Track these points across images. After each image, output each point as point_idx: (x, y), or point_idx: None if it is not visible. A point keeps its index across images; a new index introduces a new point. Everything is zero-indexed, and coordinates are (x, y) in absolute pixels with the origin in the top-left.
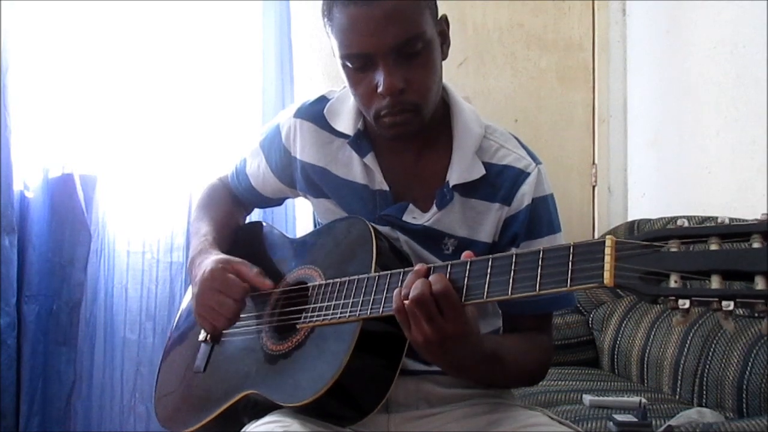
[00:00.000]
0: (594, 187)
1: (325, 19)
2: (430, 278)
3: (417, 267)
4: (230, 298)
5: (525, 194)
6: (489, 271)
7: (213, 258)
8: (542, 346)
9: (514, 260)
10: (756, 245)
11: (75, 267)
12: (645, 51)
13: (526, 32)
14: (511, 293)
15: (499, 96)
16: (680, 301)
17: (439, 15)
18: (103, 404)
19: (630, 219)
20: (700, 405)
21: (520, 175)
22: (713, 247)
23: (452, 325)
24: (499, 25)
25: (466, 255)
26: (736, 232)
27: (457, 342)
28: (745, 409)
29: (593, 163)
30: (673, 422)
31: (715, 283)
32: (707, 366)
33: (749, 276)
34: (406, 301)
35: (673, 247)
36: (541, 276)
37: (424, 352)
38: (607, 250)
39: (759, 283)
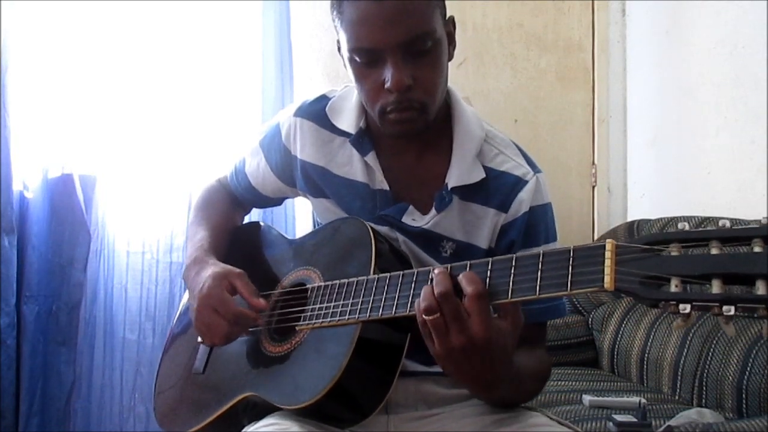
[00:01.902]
0: (594, 187)
1: (334, 13)
2: (460, 278)
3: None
4: (224, 319)
5: (523, 201)
6: (489, 274)
7: (210, 272)
8: (542, 359)
9: (513, 263)
10: (757, 249)
11: (74, 267)
12: (644, 51)
13: (525, 32)
14: (511, 296)
15: (499, 96)
16: (681, 306)
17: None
18: (103, 404)
19: (630, 219)
20: (699, 405)
21: (518, 183)
22: (714, 251)
23: (480, 328)
24: (498, 25)
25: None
26: (736, 236)
27: (484, 350)
28: (744, 410)
29: (593, 163)
30: (672, 422)
31: (716, 287)
32: (707, 366)
33: (750, 280)
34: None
35: (674, 251)
36: (541, 279)
37: (445, 361)
38: (608, 254)
39: (760, 288)
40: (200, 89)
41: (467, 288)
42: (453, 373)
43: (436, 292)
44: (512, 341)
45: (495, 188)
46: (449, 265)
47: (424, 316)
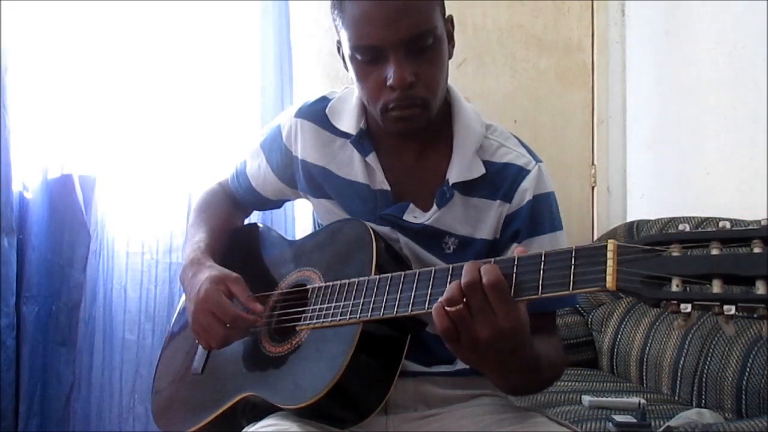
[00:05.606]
0: (593, 187)
1: (335, 12)
2: (481, 269)
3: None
4: (221, 323)
5: (526, 190)
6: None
7: (207, 275)
8: (558, 346)
9: (515, 263)
10: (757, 250)
11: (74, 268)
12: (644, 52)
13: (525, 33)
14: (513, 296)
15: (499, 97)
16: (682, 305)
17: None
18: (102, 405)
19: (629, 220)
20: (699, 406)
21: (521, 173)
22: (714, 251)
23: (504, 318)
24: (498, 26)
25: (519, 251)
26: (736, 236)
27: (509, 340)
28: (744, 410)
29: (592, 163)
30: (672, 423)
31: (717, 287)
32: (706, 367)
33: (750, 280)
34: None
35: (675, 251)
36: (543, 279)
37: (469, 352)
38: (609, 254)
39: (760, 288)
40: (200, 90)
41: (484, 277)
42: (477, 364)
43: (463, 283)
44: (528, 327)
45: (498, 180)
46: (450, 266)
47: (446, 307)
